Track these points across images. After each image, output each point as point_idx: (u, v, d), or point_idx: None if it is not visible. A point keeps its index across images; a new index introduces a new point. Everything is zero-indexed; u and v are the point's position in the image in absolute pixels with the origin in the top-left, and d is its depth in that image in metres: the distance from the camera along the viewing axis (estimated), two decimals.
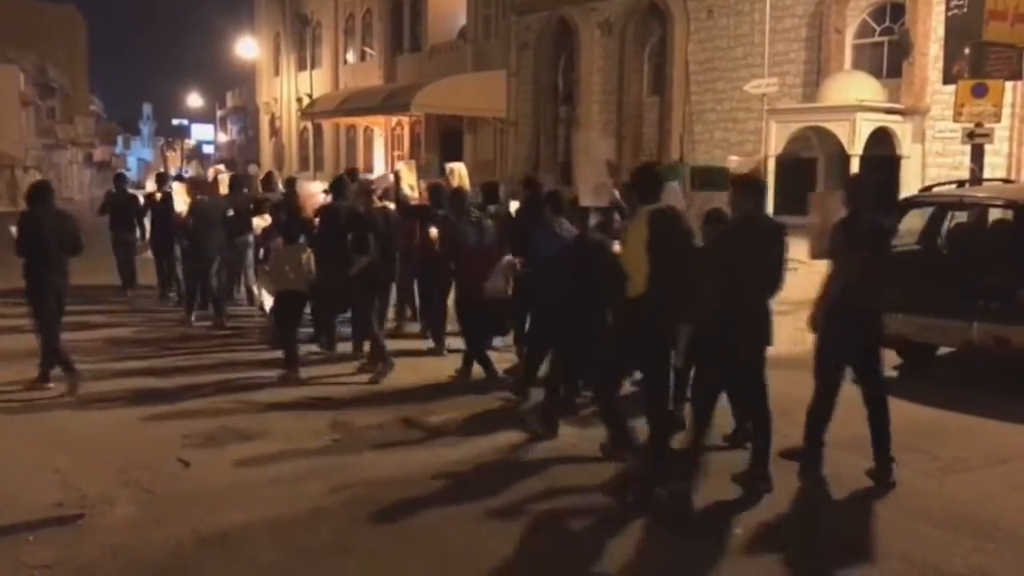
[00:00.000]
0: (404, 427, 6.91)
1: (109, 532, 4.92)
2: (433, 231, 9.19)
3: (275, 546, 4.79)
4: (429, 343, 9.58)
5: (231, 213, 11.79)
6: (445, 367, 8.63)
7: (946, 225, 9.26)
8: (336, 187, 9.34)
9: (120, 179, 14.91)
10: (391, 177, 12.26)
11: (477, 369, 8.30)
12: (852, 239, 5.67)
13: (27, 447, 6.42)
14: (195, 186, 13.17)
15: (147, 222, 13.94)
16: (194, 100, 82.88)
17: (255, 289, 11.49)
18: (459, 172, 10.98)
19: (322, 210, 9.19)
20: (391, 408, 7.39)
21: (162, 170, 28.54)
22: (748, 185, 5.89)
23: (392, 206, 10.19)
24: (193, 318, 11.44)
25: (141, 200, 14.70)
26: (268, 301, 9.17)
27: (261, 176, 14.54)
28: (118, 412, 7.28)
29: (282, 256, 8.69)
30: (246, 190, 12.79)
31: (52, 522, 5.03)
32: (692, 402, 6.10)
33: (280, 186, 13.30)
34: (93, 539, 4.83)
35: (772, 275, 5.64)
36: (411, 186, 10.74)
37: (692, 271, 5.52)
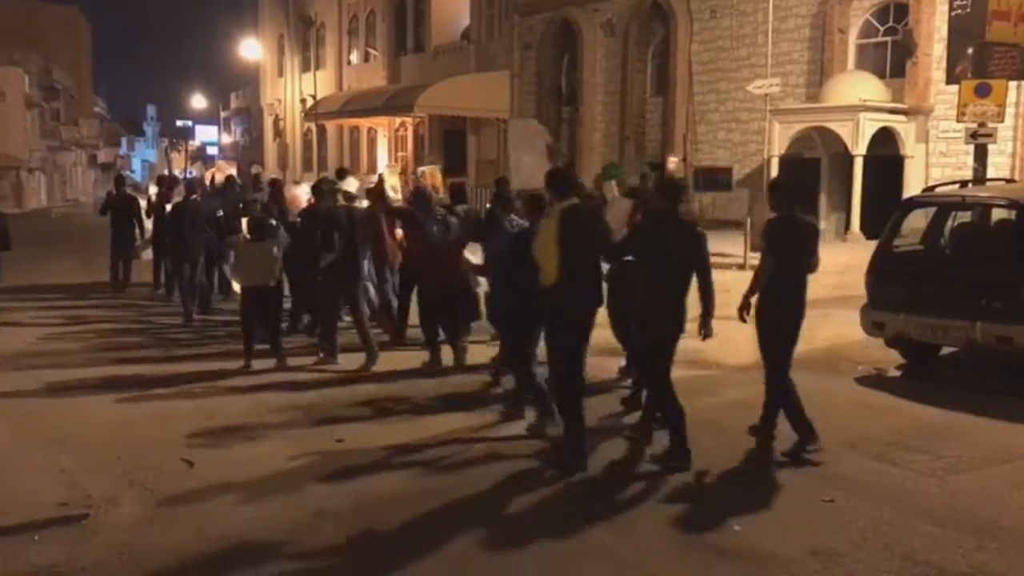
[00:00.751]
0: (406, 427, 6.94)
1: (114, 532, 4.94)
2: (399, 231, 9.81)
3: (279, 546, 4.80)
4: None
5: (220, 214, 12.11)
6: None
7: (949, 225, 9.26)
8: (318, 189, 9.74)
9: (119, 180, 15.26)
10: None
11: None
12: (780, 238, 6.18)
13: (32, 448, 6.45)
14: (191, 187, 13.55)
15: (148, 223, 14.22)
16: (198, 101, 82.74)
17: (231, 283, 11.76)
18: (431, 173, 11.37)
19: (303, 212, 9.69)
20: (396, 407, 7.42)
21: (166, 171, 28.66)
22: (666, 185, 6.54)
23: (362, 204, 10.72)
24: (193, 313, 11.69)
25: (143, 202, 15.06)
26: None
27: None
28: (122, 412, 7.31)
29: (248, 253, 9.04)
30: (238, 189, 13.05)
31: (57, 522, 5.05)
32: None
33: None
34: (98, 539, 4.85)
35: (687, 266, 6.03)
36: (394, 187, 11.03)
37: (599, 264, 6.18)
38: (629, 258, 6.33)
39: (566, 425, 6.16)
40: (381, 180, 11.49)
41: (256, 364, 8.84)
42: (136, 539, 4.85)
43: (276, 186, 12.61)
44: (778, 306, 6.14)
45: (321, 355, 9.10)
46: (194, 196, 12.61)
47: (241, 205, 12.62)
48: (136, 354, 9.59)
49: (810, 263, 6.26)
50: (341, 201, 9.67)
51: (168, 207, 12.99)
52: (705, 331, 6.12)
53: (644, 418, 6.57)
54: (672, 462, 5.94)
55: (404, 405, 7.56)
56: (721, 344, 9.60)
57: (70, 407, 7.50)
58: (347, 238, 8.85)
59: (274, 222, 9.73)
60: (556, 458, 6.08)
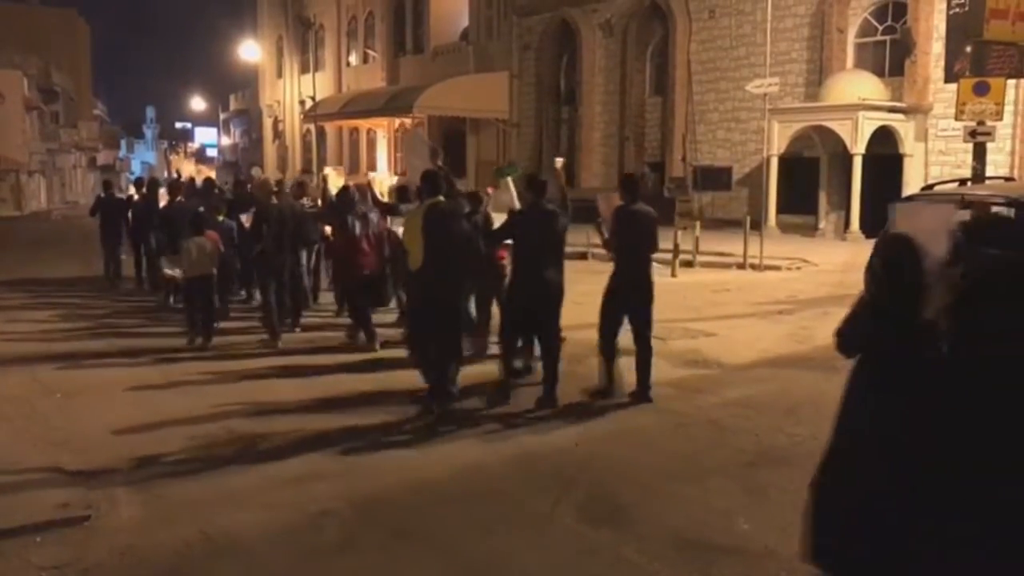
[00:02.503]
0: (408, 427, 6.95)
1: (116, 533, 4.95)
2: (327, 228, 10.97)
3: (282, 547, 4.81)
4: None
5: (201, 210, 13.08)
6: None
7: None
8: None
9: (107, 184, 16.99)
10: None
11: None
12: (624, 226, 7.44)
13: (34, 449, 6.46)
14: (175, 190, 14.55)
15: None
16: (197, 103, 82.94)
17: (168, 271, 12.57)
18: (379, 181, 12.64)
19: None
20: (390, 407, 7.43)
21: (166, 174, 29.01)
22: (531, 181, 7.71)
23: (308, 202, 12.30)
24: (171, 300, 12.51)
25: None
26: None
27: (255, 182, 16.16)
28: (124, 413, 7.30)
29: (192, 246, 9.96)
30: (217, 190, 14.77)
31: (59, 523, 5.06)
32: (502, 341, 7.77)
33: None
34: (100, 540, 4.86)
35: (556, 245, 7.38)
36: (336, 187, 12.23)
37: (459, 252, 7.29)
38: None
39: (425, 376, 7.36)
40: (325, 180, 12.95)
41: (252, 363, 8.95)
42: (138, 540, 4.85)
43: (239, 187, 13.92)
44: (622, 280, 7.45)
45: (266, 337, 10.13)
46: (179, 199, 13.38)
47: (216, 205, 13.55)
48: (134, 350, 9.73)
49: (649, 243, 7.49)
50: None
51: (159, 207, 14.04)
52: None
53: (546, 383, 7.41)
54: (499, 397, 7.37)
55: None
56: (722, 343, 9.66)
57: (72, 409, 7.52)
58: (275, 232, 10.07)
59: (222, 218, 11.34)
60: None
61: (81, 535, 4.93)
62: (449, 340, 7.37)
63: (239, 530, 5.00)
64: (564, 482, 5.74)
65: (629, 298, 7.41)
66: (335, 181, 12.93)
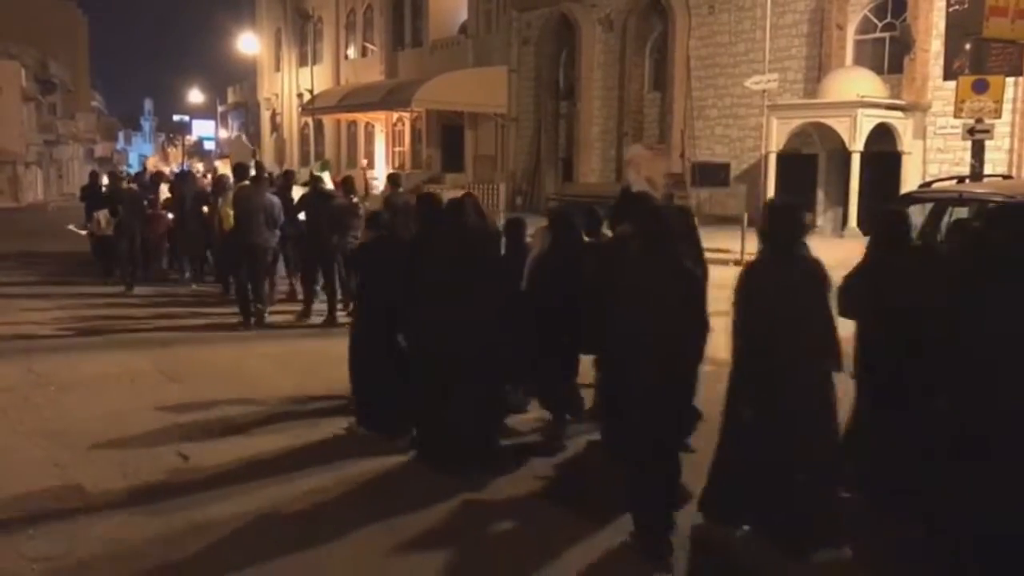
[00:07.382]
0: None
1: (109, 525, 4.94)
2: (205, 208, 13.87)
3: (272, 537, 4.81)
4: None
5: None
6: None
7: (946, 221, 9.24)
8: (180, 178, 15.32)
9: (93, 175, 18.86)
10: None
11: None
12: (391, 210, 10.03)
13: (27, 441, 6.45)
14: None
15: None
16: (195, 96, 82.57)
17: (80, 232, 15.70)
18: (220, 167, 16.25)
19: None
20: None
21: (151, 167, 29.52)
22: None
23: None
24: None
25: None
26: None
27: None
28: (117, 405, 7.30)
29: (99, 215, 14.58)
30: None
31: (53, 515, 5.06)
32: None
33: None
34: (93, 532, 4.85)
35: (329, 218, 10.90)
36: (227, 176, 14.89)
37: (257, 217, 10.46)
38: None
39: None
40: (216, 171, 16.39)
41: (240, 350, 8.93)
42: (131, 533, 4.85)
43: (159, 177, 17.23)
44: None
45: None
46: (132, 185, 16.04)
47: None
48: (122, 335, 10.10)
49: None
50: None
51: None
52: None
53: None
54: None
55: None
56: (719, 339, 9.64)
57: (66, 402, 7.50)
58: (127, 210, 13.94)
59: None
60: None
61: (74, 527, 4.92)
62: (257, 273, 10.68)
63: (231, 522, 5.00)
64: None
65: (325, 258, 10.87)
66: (224, 171, 16.33)
